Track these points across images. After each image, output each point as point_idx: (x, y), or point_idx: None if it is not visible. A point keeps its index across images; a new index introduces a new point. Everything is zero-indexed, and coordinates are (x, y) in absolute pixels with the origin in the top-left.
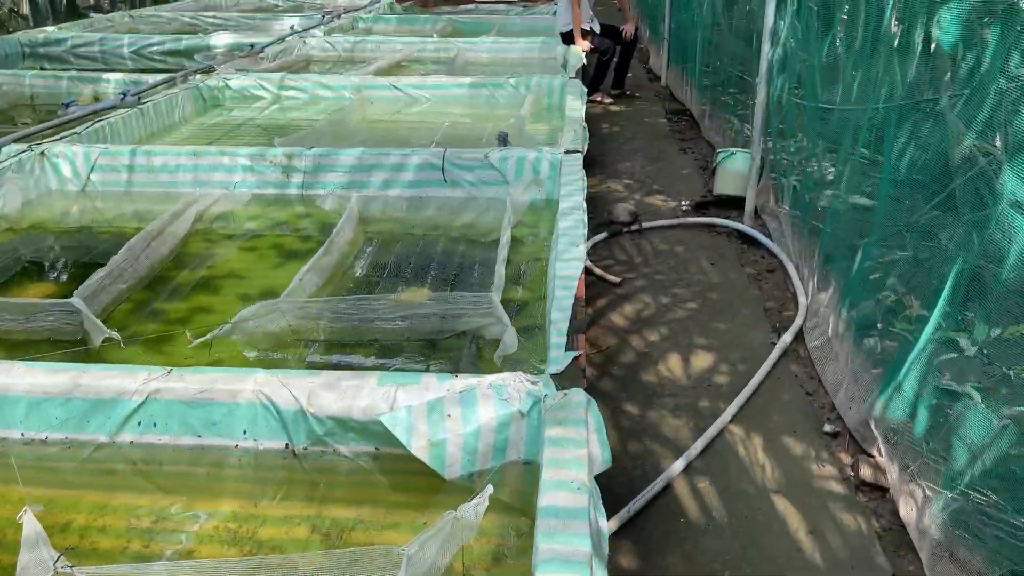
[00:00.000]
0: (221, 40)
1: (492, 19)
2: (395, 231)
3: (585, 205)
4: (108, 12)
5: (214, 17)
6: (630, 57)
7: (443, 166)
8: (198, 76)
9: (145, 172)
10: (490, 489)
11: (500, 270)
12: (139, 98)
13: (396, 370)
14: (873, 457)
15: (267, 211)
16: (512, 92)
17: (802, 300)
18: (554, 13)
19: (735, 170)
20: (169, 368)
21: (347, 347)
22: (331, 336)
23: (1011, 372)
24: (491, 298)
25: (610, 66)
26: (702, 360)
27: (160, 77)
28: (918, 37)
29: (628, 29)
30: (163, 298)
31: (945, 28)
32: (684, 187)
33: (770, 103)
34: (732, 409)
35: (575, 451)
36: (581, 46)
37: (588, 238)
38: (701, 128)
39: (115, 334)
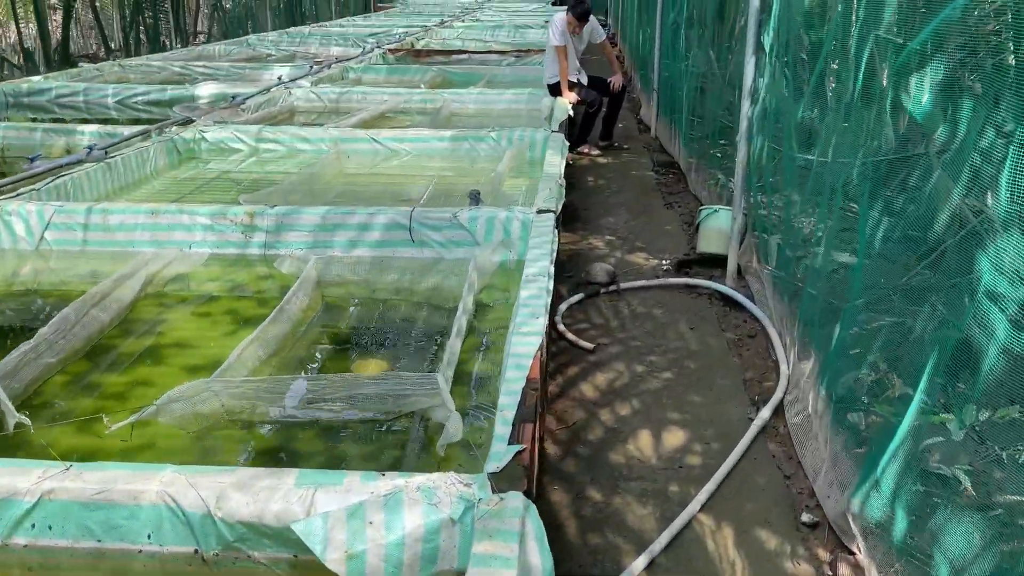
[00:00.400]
0: (206, 90)
1: (482, 70)
2: (355, 295)
3: (552, 270)
4: (104, 60)
5: (204, 67)
6: (618, 109)
7: (411, 225)
8: (174, 128)
9: (101, 231)
10: None
11: (454, 345)
12: (106, 152)
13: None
14: (854, 554)
15: (226, 272)
16: (493, 145)
17: (783, 369)
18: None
19: (718, 228)
20: (68, 464)
21: (286, 428)
22: (268, 417)
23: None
24: (437, 379)
25: (597, 118)
26: (674, 437)
27: (135, 129)
28: (899, 94)
29: (616, 81)
30: (102, 370)
31: (919, 94)
32: (667, 244)
33: (751, 160)
34: (702, 496)
35: (503, 572)
36: (568, 98)
37: (564, 299)
38: (688, 182)
39: (25, 419)
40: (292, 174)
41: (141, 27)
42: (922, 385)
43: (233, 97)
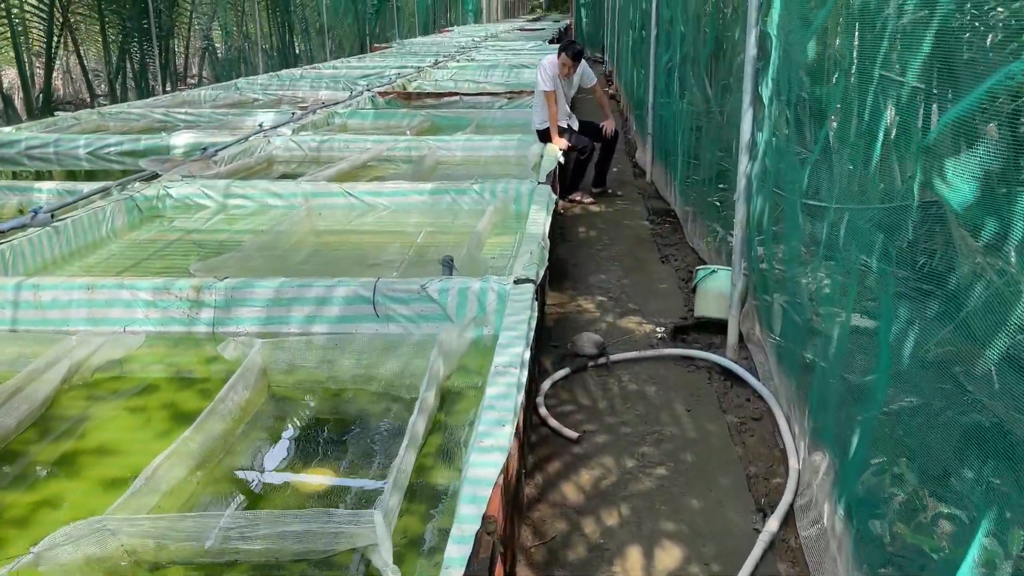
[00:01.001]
0: (182, 140)
1: (472, 114)
2: (307, 383)
3: (528, 356)
4: (88, 107)
5: (186, 113)
6: (611, 155)
7: (374, 299)
8: (137, 184)
9: (32, 308)
10: None
11: (406, 460)
12: (52, 215)
13: None
14: None
15: (169, 355)
16: (476, 199)
17: (793, 464)
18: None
19: (717, 291)
20: None
21: (202, 570)
22: (179, 557)
23: None
24: (373, 518)
25: (589, 165)
26: (669, 557)
27: (95, 186)
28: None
29: (608, 126)
30: (3, 486)
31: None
32: (663, 305)
33: (751, 220)
34: None
35: None
36: (558, 144)
37: (548, 375)
38: (684, 232)
39: None
40: (257, 235)
41: (128, 72)
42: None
43: (204, 149)
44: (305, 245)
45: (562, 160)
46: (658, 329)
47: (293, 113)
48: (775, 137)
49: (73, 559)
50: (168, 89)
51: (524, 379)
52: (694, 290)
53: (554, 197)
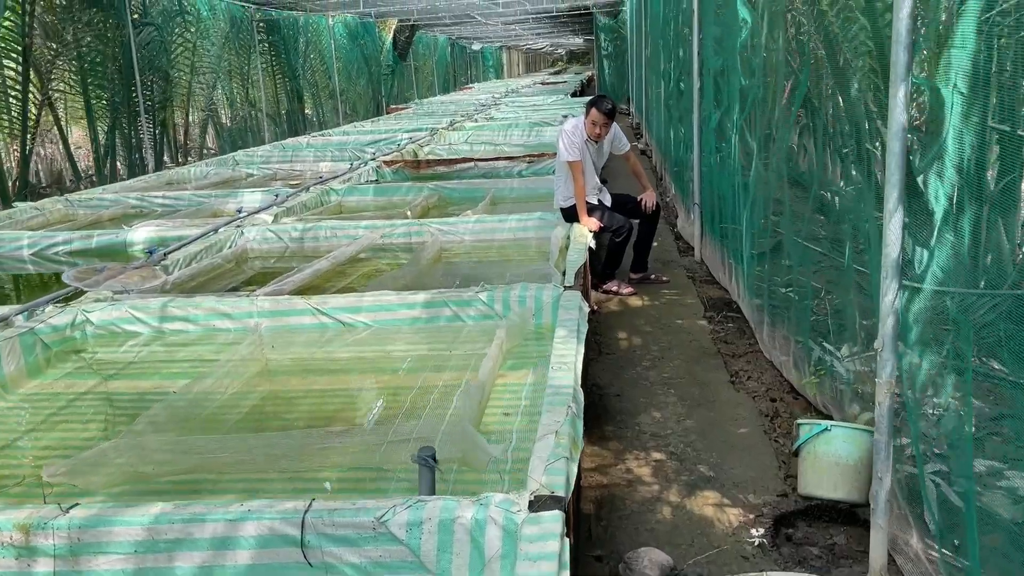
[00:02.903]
0: (141, 235)
1: (486, 185)
2: None
3: None
4: (70, 191)
5: (164, 197)
6: (652, 233)
7: (303, 539)
8: (50, 309)
9: None
10: None
11: None
12: None
13: None
14: None
15: None
16: (483, 311)
17: None
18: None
19: (834, 458)
20: None
21: None
22: None
23: None
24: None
25: (626, 248)
26: None
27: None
28: None
29: (648, 200)
30: None
31: None
32: (748, 469)
33: (913, 381)
34: None
35: None
36: (587, 225)
37: None
38: (757, 337)
39: None
40: (193, 379)
41: (119, 149)
42: None
43: (150, 252)
44: (247, 396)
45: (593, 245)
46: (752, 526)
47: (276, 195)
48: (952, 255)
49: None
50: (170, 163)
51: None
52: (796, 453)
53: (587, 309)
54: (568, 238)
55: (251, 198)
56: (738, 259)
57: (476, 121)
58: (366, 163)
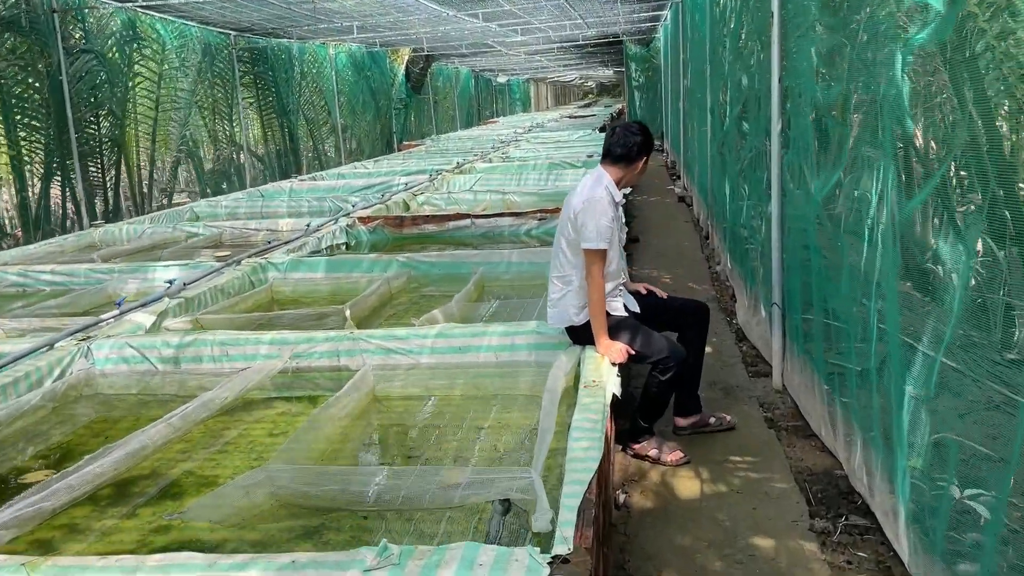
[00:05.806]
0: None
1: (475, 258)
2: None
3: None
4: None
5: (52, 273)
6: (703, 350)
7: None
8: None
9: None
10: None
11: None
12: None
13: None
14: None
15: None
16: None
17: None
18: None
19: None
20: None
21: None
22: None
23: None
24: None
25: (675, 388)
26: None
27: None
28: None
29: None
30: None
31: None
32: None
33: None
34: None
35: None
36: (609, 354)
37: None
38: (901, 554)
39: None
40: None
41: (54, 200)
42: None
43: None
44: None
45: (619, 392)
46: None
47: (172, 283)
48: None
49: None
50: (134, 212)
51: None
52: None
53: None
54: (577, 380)
55: (168, 273)
56: (865, 427)
57: (490, 161)
58: (336, 220)
